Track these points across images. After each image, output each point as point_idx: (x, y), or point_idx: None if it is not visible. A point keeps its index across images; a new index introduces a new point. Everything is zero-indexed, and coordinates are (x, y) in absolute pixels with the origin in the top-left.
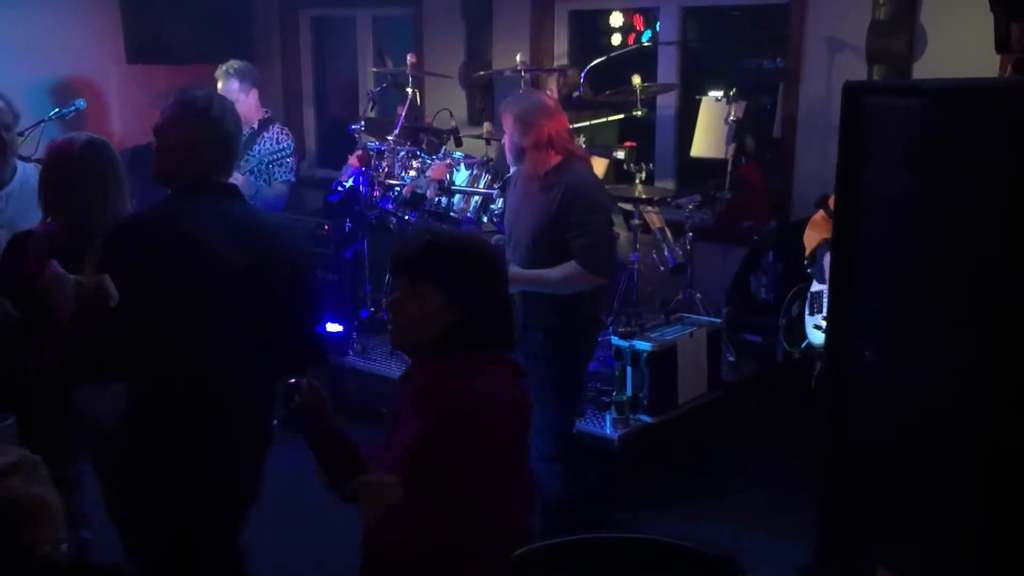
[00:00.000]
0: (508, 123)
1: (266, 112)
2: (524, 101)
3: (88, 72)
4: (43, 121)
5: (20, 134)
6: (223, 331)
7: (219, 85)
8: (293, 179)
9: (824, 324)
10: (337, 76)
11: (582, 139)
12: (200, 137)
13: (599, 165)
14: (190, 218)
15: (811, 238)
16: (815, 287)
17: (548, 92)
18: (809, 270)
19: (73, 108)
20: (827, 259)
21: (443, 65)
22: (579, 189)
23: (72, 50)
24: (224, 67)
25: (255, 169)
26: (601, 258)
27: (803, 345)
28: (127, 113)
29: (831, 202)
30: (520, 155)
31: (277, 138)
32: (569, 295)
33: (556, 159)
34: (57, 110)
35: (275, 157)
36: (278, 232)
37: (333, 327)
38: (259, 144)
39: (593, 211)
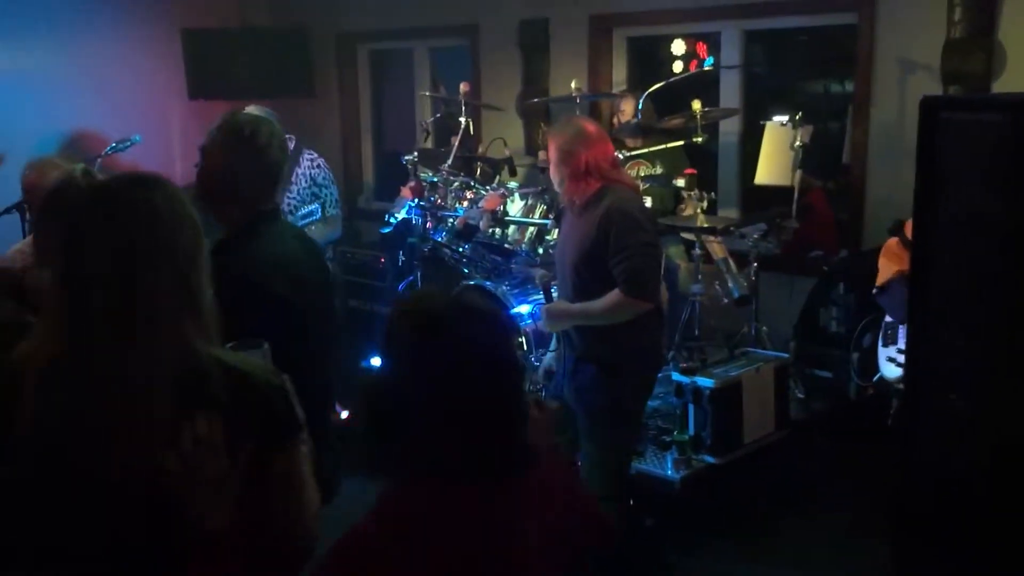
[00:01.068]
0: (551, 151)
1: (291, 140)
2: (564, 129)
3: (150, 108)
4: (100, 157)
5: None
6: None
7: None
8: (339, 211)
9: (899, 357)
10: (394, 108)
11: (646, 167)
12: (244, 167)
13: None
14: (275, 241)
15: (885, 267)
16: (889, 318)
17: (615, 119)
18: (880, 300)
19: (129, 143)
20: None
21: (500, 94)
22: (616, 211)
23: (135, 87)
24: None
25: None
26: (644, 282)
27: (875, 379)
28: (188, 148)
29: (908, 228)
30: (560, 183)
31: (310, 174)
32: (619, 325)
33: (595, 186)
34: (113, 145)
35: (307, 221)
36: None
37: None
38: (295, 183)
39: (631, 232)
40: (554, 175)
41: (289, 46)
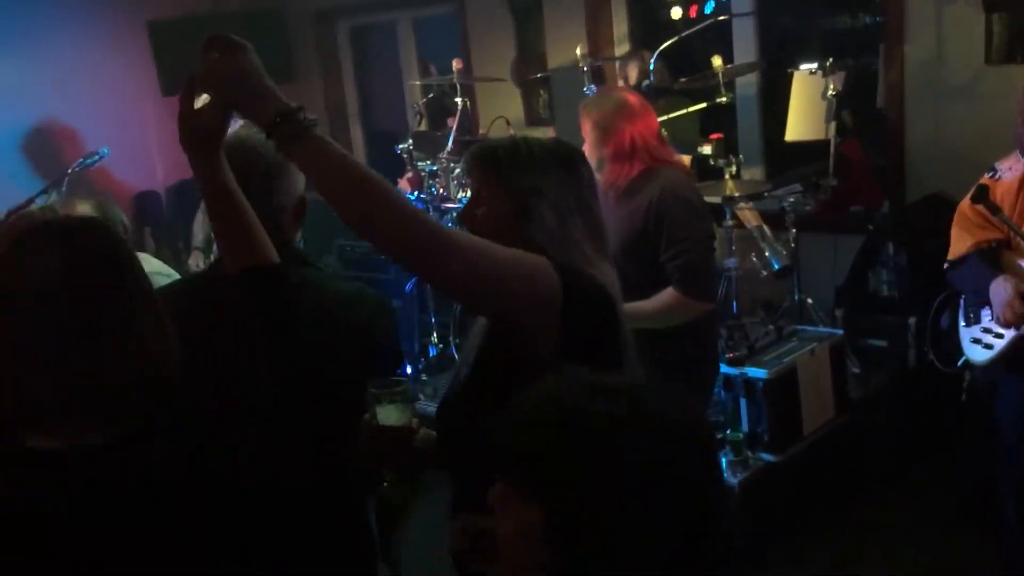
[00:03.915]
0: (586, 130)
1: None
2: (601, 103)
3: (122, 109)
4: (67, 174)
5: (44, 191)
6: None
7: None
8: None
9: (984, 337)
10: (382, 87)
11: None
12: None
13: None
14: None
15: (959, 238)
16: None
17: (620, 83)
18: (952, 277)
19: (97, 157)
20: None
21: (494, 65)
22: (669, 199)
23: (104, 88)
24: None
25: None
26: (703, 280)
27: (960, 363)
28: (167, 147)
29: (995, 192)
30: (599, 166)
31: None
32: (671, 329)
33: (639, 168)
34: (81, 160)
35: None
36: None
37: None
38: None
39: (688, 221)
40: (591, 156)
41: (263, 29)
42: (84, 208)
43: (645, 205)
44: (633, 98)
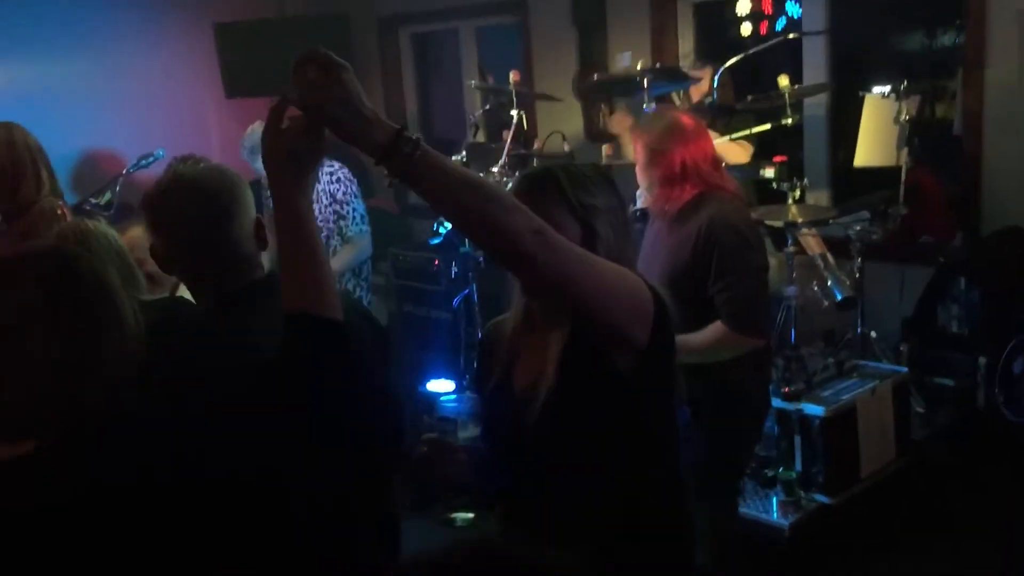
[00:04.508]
0: (637, 151)
1: None
2: (653, 124)
3: (185, 111)
4: (121, 175)
5: (99, 192)
6: None
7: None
8: (366, 227)
9: None
10: (442, 95)
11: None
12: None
13: (742, 150)
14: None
15: None
16: None
17: (687, 103)
18: None
19: (152, 158)
20: None
21: (555, 79)
22: (720, 226)
23: (167, 90)
24: (247, 144)
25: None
26: (754, 315)
27: None
28: (229, 148)
29: None
30: (649, 188)
31: (329, 190)
32: (719, 363)
33: (692, 193)
34: (136, 162)
35: (339, 213)
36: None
37: (442, 385)
38: (316, 201)
39: (739, 252)
40: (642, 179)
41: (328, 34)
42: (136, 231)
43: (695, 233)
44: (687, 120)
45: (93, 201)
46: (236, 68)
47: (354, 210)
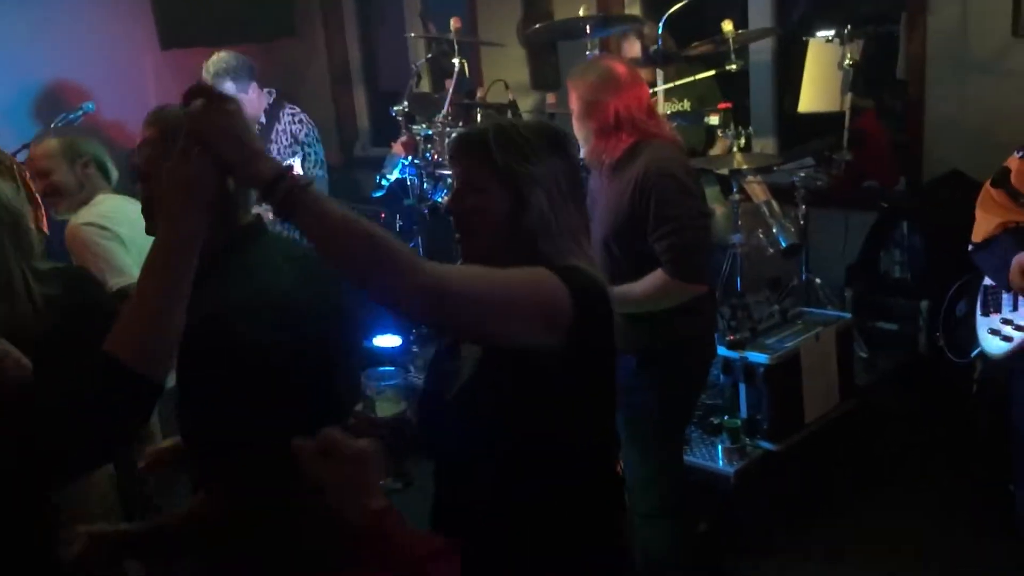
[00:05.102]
0: (573, 102)
1: (270, 94)
2: (586, 74)
3: (122, 63)
4: (49, 130)
5: (24, 146)
6: None
7: None
8: (324, 173)
9: (1003, 328)
10: (387, 46)
11: (672, 104)
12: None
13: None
14: (259, 270)
15: (984, 219)
16: (988, 281)
17: (627, 47)
18: (977, 258)
19: (81, 112)
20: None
21: (500, 25)
22: (655, 174)
23: (102, 40)
24: (211, 67)
25: None
26: (694, 261)
27: (974, 354)
28: (165, 100)
29: (1016, 175)
30: (586, 139)
31: (291, 130)
32: (663, 311)
33: (628, 142)
34: (64, 115)
35: (299, 152)
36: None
37: (388, 340)
38: (275, 141)
39: (677, 199)
40: (578, 131)
41: None
42: (51, 144)
43: (632, 182)
44: (620, 67)
45: (21, 157)
46: (172, 19)
47: (315, 153)
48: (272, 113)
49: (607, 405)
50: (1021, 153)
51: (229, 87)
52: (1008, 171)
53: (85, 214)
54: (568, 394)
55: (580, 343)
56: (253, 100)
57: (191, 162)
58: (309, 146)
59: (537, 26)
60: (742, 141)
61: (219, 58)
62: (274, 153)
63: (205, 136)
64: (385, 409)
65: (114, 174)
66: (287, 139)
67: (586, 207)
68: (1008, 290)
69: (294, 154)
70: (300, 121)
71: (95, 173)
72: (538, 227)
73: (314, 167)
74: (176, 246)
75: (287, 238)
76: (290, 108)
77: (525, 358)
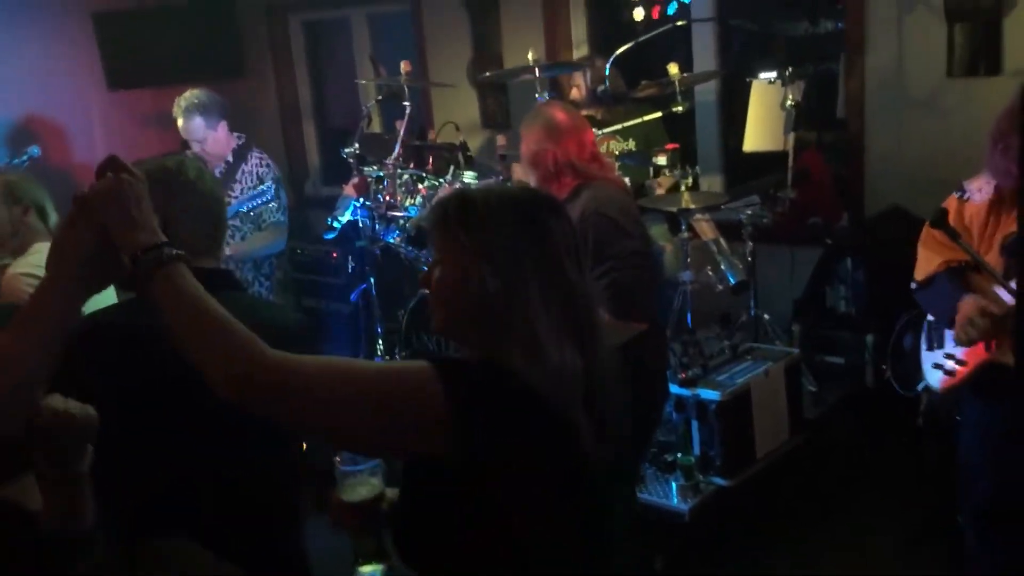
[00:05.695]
0: (522, 152)
1: (239, 139)
2: (533, 123)
3: (67, 103)
4: None
5: None
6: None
7: (180, 124)
8: (285, 219)
9: (946, 363)
10: (337, 85)
11: (618, 143)
12: (176, 211)
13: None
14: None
15: (926, 258)
16: (931, 317)
17: (575, 90)
18: (919, 297)
19: (26, 156)
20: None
21: (449, 64)
22: (591, 219)
23: (48, 84)
24: (183, 102)
25: (239, 212)
26: (629, 300)
27: (920, 387)
28: (113, 141)
29: (966, 215)
30: (535, 186)
31: (257, 172)
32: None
33: (570, 186)
34: (8, 162)
35: (258, 203)
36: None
37: None
38: (239, 181)
39: (613, 239)
40: (526, 177)
41: (213, 22)
42: None
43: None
44: (560, 115)
45: None
46: (118, 59)
47: (281, 198)
48: (240, 154)
49: (566, 524)
50: (959, 193)
51: (199, 123)
52: (946, 212)
53: (23, 264)
54: (483, 510)
55: (469, 451)
56: (220, 139)
57: (73, 225)
58: (277, 191)
59: (487, 74)
60: (689, 180)
61: (192, 94)
62: (237, 192)
63: (90, 201)
64: (359, 493)
65: (53, 219)
66: (252, 180)
67: (571, 282)
68: (950, 327)
69: (259, 194)
70: (268, 166)
71: (33, 220)
72: (486, 307)
73: (275, 213)
74: (44, 299)
75: (250, 297)
76: (258, 152)
77: (429, 468)
